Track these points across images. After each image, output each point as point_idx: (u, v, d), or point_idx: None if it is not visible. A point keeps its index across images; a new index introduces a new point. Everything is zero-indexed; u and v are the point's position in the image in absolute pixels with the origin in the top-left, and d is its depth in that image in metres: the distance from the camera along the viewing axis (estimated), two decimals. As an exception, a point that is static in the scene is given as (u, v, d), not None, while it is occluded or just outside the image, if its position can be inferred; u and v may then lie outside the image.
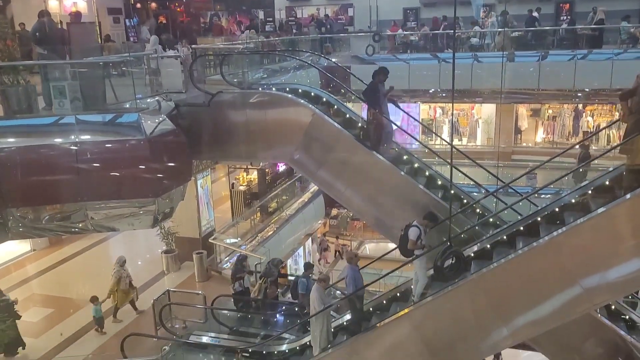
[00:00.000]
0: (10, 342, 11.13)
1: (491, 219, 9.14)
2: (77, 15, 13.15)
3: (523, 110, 21.91)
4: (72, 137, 8.33)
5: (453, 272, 7.52)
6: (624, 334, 8.46)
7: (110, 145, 8.44)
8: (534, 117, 22.22)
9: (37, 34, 9.84)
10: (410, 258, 8.51)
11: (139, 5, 25.85)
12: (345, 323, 9.83)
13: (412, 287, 8.79)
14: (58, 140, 8.34)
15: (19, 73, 9.09)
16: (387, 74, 9.61)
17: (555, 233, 7.20)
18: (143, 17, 25.25)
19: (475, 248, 8.72)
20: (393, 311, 8.97)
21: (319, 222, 21.96)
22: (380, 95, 9.55)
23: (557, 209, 8.06)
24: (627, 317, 8.97)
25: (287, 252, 18.34)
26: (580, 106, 20.87)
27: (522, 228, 8.25)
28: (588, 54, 17.91)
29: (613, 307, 8.78)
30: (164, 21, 25.97)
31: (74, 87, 8.94)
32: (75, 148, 8.21)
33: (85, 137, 8.39)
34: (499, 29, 20.16)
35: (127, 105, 9.51)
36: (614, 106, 20.21)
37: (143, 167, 8.43)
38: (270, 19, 27.53)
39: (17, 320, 11.34)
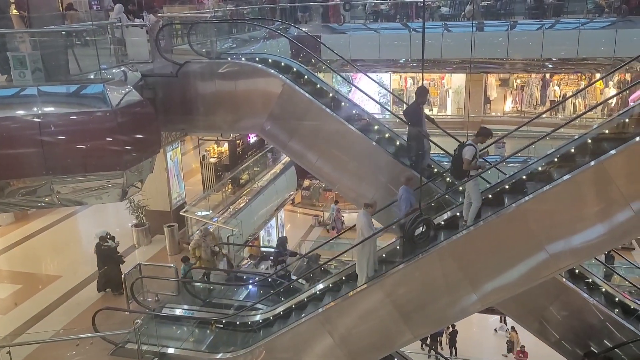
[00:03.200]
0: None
1: (460, 188, 9.28)
2: (37, -18, 12.61)
3: (492, 80, 22.16)
4: (35, 109, 8.05)
5: (423, 239, 7.64)
6: (587, 296, 8.80)
7: (74, 117, 8.19)
8: (503, 86, 22.53)
9: None
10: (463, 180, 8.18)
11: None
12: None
13: (463, 211, 8.37)
14: (20, 112, 8.05)
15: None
16: (427, 94, 9.37)
17: (522, 200, 7.37)
18: (106, -16, 24.35)
19: (445, 216, 8.88)
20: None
21: (291, 193, 21.98)
22: (421, 116, 9.45)
23: (524, 177, 8.22)
24: (590, 280, 9.33)
25: (259, 223, 18.35)
26: (547, 76, 21.19)
27: (490, 196, 8.40)
28: (555, 24, 18.08)
29: (577, 270, 9.09)
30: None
31: (35, 57, 8.59)
32: (38, 120, 7.94)
33: (49, 109, 8.11)
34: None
35: (92, 76, 9.22)
36: (581, 75, 20.60)
37: (110, 139, 8.21)
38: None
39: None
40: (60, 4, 17.53)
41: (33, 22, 10.83)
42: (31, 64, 8.45)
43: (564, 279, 8.79)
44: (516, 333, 16.09)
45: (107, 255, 12.43)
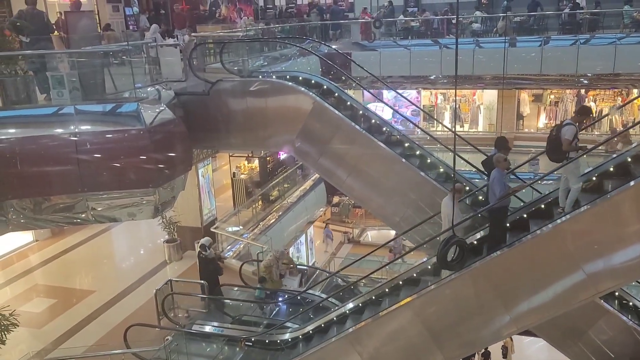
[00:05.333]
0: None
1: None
2: (76, 4, 13.04)
3: (525, 95, 21.79)
4: (72, 127, 8.25)
5: (456, 262, 7.42)
6: (628, 321, 8.45)
7: (109, 135, 8.35)
8: (536, 102, 22.10)
9: (17, 23, 9.74)
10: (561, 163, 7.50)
11: (138, -8, 25.55)
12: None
13: (558, 197, 7.80)
14: (57, 130, 8.25)
15: (16, 63, 9.00)
16: (507, 144, 8.76)
17: (559, 220, 7.15)
18: (143, 5, 25.04)
19: (478, 236, 8.68)
20: (401, 297, 8.93)
21: (321, 209, 21.96)
22: None
23: (542, 206, 8.02)
24: (632, 304, 8.97)
25: (289, 240, 18.35)
26: (582, 91, 20.74)
27: (525, 215, 8.19)
28: (590, 39, 17.74)
29: (617, 293, 8.76)
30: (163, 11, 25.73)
31: (72, 77, 8.83)
32: (75, 138, 8.13)
33: (85, 127, 8.30)
34: (501, 14, 19.99)
35: (127, 95, 9.42)
36: (616, 91, 20.10)
37: (143, 157, 8.33)
38: (270, 7, 27.33)
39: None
40: (98, 25, 18.10)
41: (72, 42, 11.16)
42: (69, 84, 8.69)
43: (602, 302, 8.46)
44: (511, 339, 15.55)
45: (205, 264, 12.39)
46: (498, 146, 8.37)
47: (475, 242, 8.42)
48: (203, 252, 12.21)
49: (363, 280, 11.31)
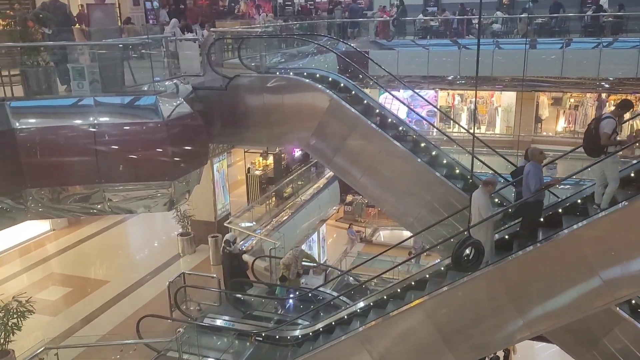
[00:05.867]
0: None
1: (510, 210, 9.01)
2: (99, -4, 13.15)
3: (544, 98, 21.52)
4: (91, 118, 8.34)
5: (471, 263, 7.36)
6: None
7: (127, 127, 8.43)
8: (555, 105, 21.84)
9: (40, 14, 9.87)
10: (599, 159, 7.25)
11: (158, -13, 25.70)
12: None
13: (594, 192, 7.59)
14: (77, 121, 8.34)
15: (38, 54, 9.11)
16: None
17: (575, 226, 7.07)
18: (163, 0, 25.18)
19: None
20: (408, 300, 8.90)
21: (334, 208, 21.94)
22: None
23: (578, 201, 7.90)
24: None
25: (301, 237, 18.37)
26: (603, 95, 20.44)
27: (542, 219, 8.10)
28: (613, 42, 17.48)
29: (633, 301, 8.62)
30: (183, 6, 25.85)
31: (93, 69, 8.93)
32: (94, 130, 8.22)
33: (104, 119, 8.39)
34: (522, 15, 19.79)
35: (145, 88, 9.50)
36: (638, 96, 19.77)
37: (160, 150, 8.40)
38: (289, 3, 27.32)
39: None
40: (119, 18, 18.25)
41: (93, 35, 11.28)
42: (89, 75, 8.79)
43: (617, 309, 8.34)
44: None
45: (230, 259, 12.37)
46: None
47: (506, 237, 8.31)
48: (227, 248, 12.21)
49: (375, 280, 11.31)
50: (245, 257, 13.91)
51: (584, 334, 8.61)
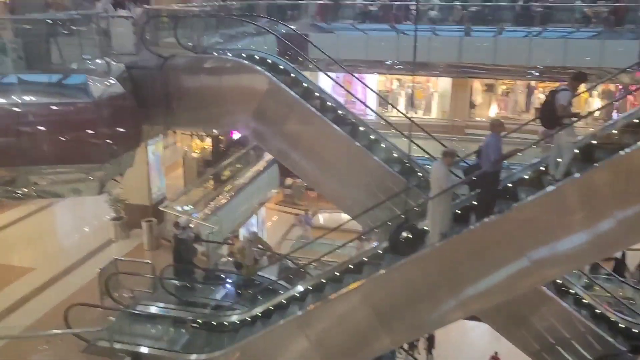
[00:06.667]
0: None
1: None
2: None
3: (478, 85, 22.23)
4: (14, 97, 7.83)
5: (409, 246, 7.50)
6: (568, 307, 8.80)
7: (54, 107, 7.99)
8: (488, 92, 22.61)
9: None
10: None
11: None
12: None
13: (549, 163, 7.68)
14: (-2, 100, 7.81)
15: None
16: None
17: (507, 210, 7.35)
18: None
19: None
20: (346, 283, 9.01)
21: (273, 191, 21.84)
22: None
23: (509, 184, 8.22)
24: (574, 291, 9.34)
25: (240, 221, 18.19)
26: (532, 83, 21.33)
27: (475, 202, 8.37)
28: (543, 32, 18.21)
29: (559, 281, 9.11)
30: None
31: (16, 45, 8.36)
32: (17, 110, 7.72)
33: (28, 98, 7.89)
34: (456, 3, 20.24)
35: (75, 67, 9.00)
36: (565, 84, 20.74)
37: (90, 131, 8.03)
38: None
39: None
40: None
41: (17, 8, 10.55)
42: (12, 51, 8.22)
43: (545, 289, 8.79)
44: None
45: (177, 244, 11.98)
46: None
47: (459, 212, 8.38)
48: (176, 231, 11.79)
49: (313, 264, 11.36)
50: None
51: (513, 313, 9.02)
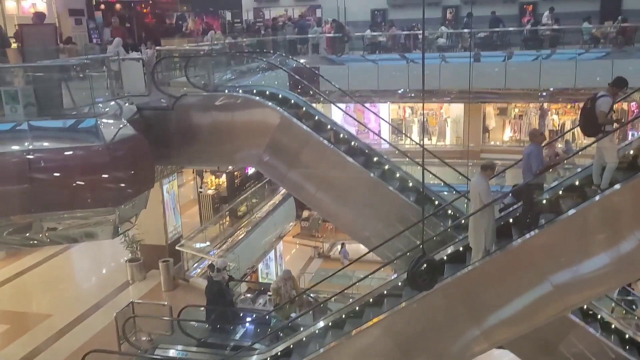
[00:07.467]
0: None
1: (463, 221, 9.03)
2: (39, 15, 12.54)
3: (490, 109, 22.10)
4: (26, 144, 7.85)
5: (427, 281, 7.22)
6: (596, 334, 8.45)
7: (66, 152, 7.98)
8: (501, 116, 22.45)
9: None
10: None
11: (102, 6, 25.06)
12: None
13: (593, 173, 7.41)
14: (10, 148, 7.83)
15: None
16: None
17: (528, 235, 7.11)
18: (108, 18, 24.49)
19: (448, 251, 8.61)
20: (367, 317, 8.75)
21: (290, 224, 21.71)
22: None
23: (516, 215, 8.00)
24: (600, 316, 8.99)
25: (258, 256, 18.02)
26: (545, 105, 21.16)
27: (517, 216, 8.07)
28: (552, 54, 18.16)
29: (585, 307, 8.78)
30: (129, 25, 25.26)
31: (27, 92, 8.43)
32: (29, 156, 7.73)
33: (39, 144, 7.90)
34: (465, 30, 20.33)
35: (86, 110, 9.05)
36: (578, 105, 20.55)
37: (102, 175, 7.99)
38: (238, 20, 27.13)
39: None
40: (58, 38, 17.54)
41: (28, 56, 10.71)
42: (23, 99, 8.29)
43: (571, 316, 8.45)
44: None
45: (210, 285, 11.28)
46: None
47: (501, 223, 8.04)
48: (210, 273, 11.47)
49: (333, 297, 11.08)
50: (199, 280, 13.41)
51: (541, 341, 8.68)
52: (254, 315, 11.27)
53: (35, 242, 8.82)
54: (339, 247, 22.25)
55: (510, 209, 8.36)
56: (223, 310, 11.12)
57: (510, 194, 8.41)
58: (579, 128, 7.81)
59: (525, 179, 7.49)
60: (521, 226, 7.48)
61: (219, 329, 11.04)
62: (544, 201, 7.78)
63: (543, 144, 7.89)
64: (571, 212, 6.93)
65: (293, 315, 10.59)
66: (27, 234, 8.33)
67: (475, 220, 7.57)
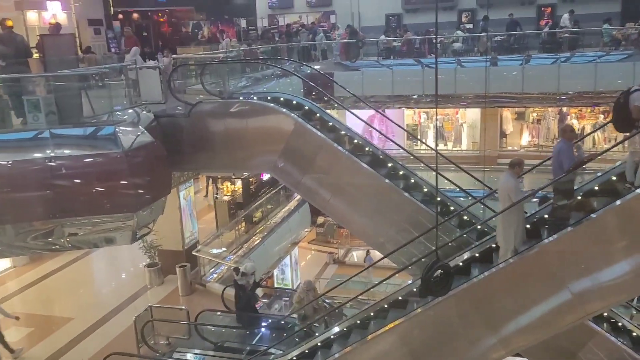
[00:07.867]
0: None
1: (479, 226, 9.02)
2: (56, 26, 12.91)
3: (507, 113, 21.93)
4: (47, 151, 8.06)
5: (441, 287, 7.22)
6: (617, 342, 8.34)
7: (86, 159, 8.17)
8: (519, 120, 22.25)
9: None
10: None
11: (120, 15, 25.51)
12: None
13: (626, 170, 7.17)
14: (33, 155, 8.04)
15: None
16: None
17: (546, 240, 7.08)
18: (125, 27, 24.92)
19: (464, 256, 8.59)
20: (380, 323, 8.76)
21: (305, 230, 21.76)
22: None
23: (545, 216, 7.93)
24: (620, 324, 8.88)
25: (273, 261, 18.10)
26: (564, 109, 20.94)
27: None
28: (571, 57, 17.97)
29: (605, 314, 8.67)
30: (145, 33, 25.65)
31: (49, 101, 8.66)
32: (51, 163, 7.94)
33: (61, 151, 8.11)
34: (482, 34, 20.24)
35: (105, 118, 9.25)
36: (598, 109, 20.33)
37: (120, 181, 8.16)
38: (253, 28, 27.41)
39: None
40: (78, 48, 17.91)
41: (49, 66, 10.98)
42: (45, 107, 8.51)
43: (591, 323, 8.36)
44: None
45: (236, 289, 11.54)
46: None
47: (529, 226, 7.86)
48: (235, 277, 11.65)
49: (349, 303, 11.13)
50: (215, 285, 13.51)
51: (560, 350, 8.60)
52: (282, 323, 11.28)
53: (57, 247, 9.00)
54: (364, 254, 22.16)
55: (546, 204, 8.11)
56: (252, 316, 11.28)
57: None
58: (611, 125, 7.49)
59: (556, 175, 7.34)
60: (551, 226, 7.35)
61: (248, 334, 11.17)
62: (576, 199, 7.57)
63: (574, 142, 7.71)
64: (605, 208, 6.77)
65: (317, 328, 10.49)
66: (50, 239, 8.51)
67: (504, 220, 7.47)
